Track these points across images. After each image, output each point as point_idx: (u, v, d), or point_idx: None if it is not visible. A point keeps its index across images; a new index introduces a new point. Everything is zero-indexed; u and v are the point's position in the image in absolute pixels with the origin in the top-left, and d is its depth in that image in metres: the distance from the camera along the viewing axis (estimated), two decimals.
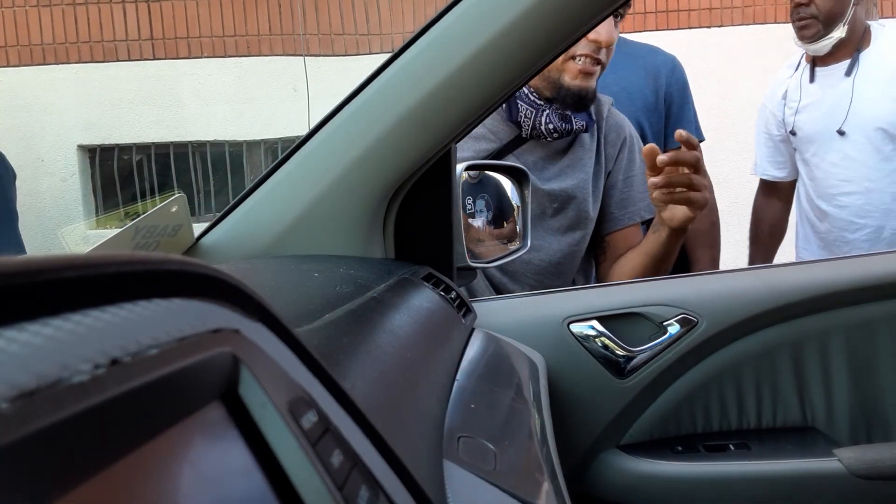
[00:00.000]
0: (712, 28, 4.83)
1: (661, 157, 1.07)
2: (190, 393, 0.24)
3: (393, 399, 0.47)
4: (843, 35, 1.90)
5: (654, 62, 1.75)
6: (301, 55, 4.55)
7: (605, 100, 1.37)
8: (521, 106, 1.26)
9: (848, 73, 1.93)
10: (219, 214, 0.86)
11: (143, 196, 4.85)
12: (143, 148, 4.85)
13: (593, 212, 1.33)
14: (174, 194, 0.81)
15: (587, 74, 1.24)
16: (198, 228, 0.85)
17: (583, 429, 0.92)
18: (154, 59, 4.71)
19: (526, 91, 1.26)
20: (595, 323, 0.91)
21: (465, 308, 0.82)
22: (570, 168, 1.30)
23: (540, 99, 1.27)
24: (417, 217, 0.88)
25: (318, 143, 0.81)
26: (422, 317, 0.67)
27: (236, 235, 0.84)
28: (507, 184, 1.10)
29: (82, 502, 0.18)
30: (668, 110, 1.75)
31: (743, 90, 4.70)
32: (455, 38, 0.75)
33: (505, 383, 0.73)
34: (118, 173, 4.87)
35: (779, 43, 4.68)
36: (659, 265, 1.25)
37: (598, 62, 1.25)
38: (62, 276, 0.19)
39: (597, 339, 0.91)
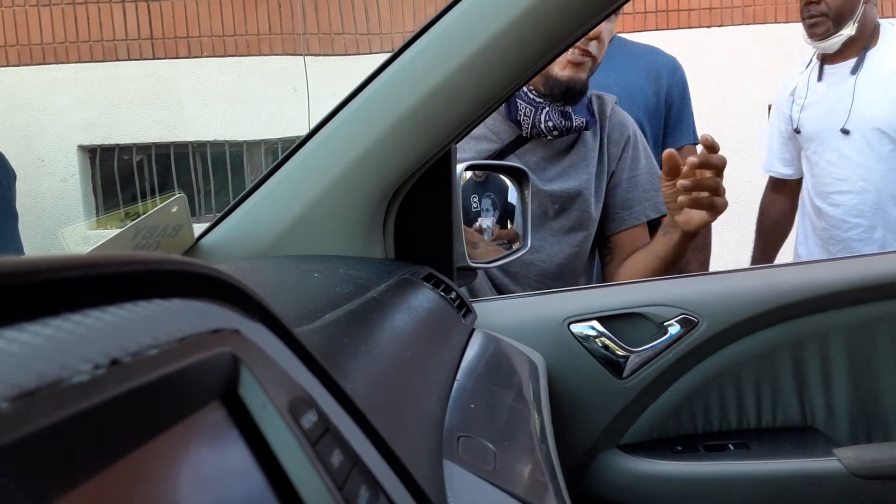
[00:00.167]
0: (712, 28, 4.83)
1: (693, 160, 1.07)
2: (190, 393, 0.24)
3: (393, 399, 0.47)
4: (853, 33, 1.90)
5: (656, 63, 1.75)
6: (301, 55, 4.55)
7: (609, 98, 1.37)
8: (521, 104, 1.26)
9: (853, 71, 1.93)
10: (219, 214, 0.86)
11: (144, 196, 4.86)
12: (144, 148, 4.85)
13: (596, 212, 1.32)
14: (174, 194, 0.81)
15: (576, 65, 1.24)
16: (198, 228, 0.85)
17: (583, 429, 0.92)
18: (154, 58, 4.71)
19: (525, 89, 1.26)
20: (595, 323, 0.91)
21: (465, 308, 0.82)
22: (573, 168, 1.30)
23: (539, 97, 1.26)
24: (417, 217, 0.88)
25: (318, 143, 0.81)
26: (422, 317, 0.67)
27: (236, 235, 0.84)
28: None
29: (82, 502, 0.18)
30: (669, 111, 1.75)
31: (743, 90, 4.70)
32: (455, 38, 0.75)
33: (505, 383, 0.73)
34: (118, 173, 4.88)
35: (779, 43, 4.68)
36: (668, 267, 1.24)
37: (587, 53, 1.25)
38: (62, 276, 0.19)
39: (597, 340, 0.90)
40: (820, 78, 2.00)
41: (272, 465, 0.27)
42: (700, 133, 1.82)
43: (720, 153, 1.08)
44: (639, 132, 1.38)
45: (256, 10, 4.70)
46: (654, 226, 1.40)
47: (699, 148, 1.10)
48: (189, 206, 0.83)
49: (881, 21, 1.98)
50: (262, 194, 0.83)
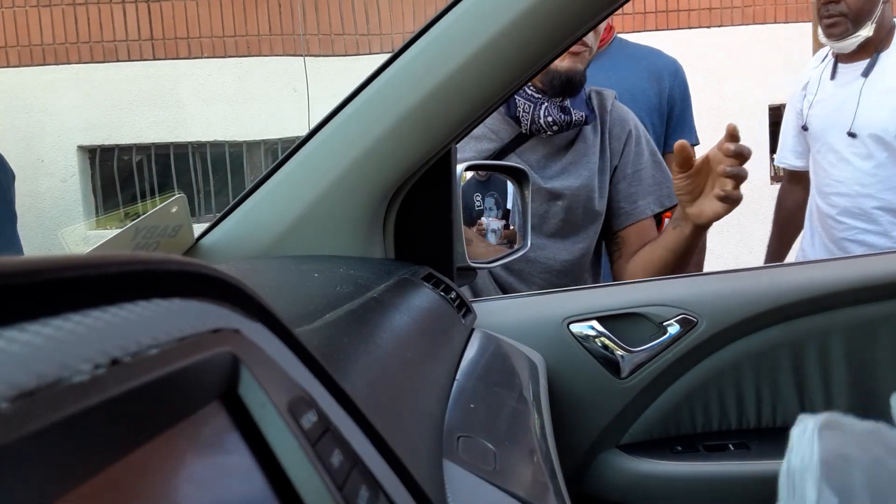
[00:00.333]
0: (712, 28, 4.83)
1: (729, 146, 1.04)
2: (190, 393, 0.24)
3: (393, 399, 0.47)
4: (871, 34, 1.90)
5: (657, 64, 1.76)
6: (301, 55, 4.55)
7: (609, 93, 1.36)
8: (519, 101, 1.26)
9: (865, 73, 1.93)
10: (219, 215, 0.86)
11: (143, 196, 4.86)
12: (143, 148, 4.85)
13: (600, 207, 1.31)
14: (174, 195, 0.81)
15: (575, 55, 1.23)
16: (198, 229, 0.85)
17: (583, 429, 0.92)
18: (154, 59, 4.71)
19: None
20: (595, 323, 0.91)
21: (465, 308, 0.82)
22: (573, 165, 1.29)
23: (537, 92, 1.26)
24: (417, 217, 0.88)
25: (318, 143, 0.81)
26: (422, 317, 0.67)
27: (236, 236, 0.84)
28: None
29: (82, 502, 0.18)
30: (670, 113, 1.75)
31: (743, 90, 4.70)
32: (455, 38, 0.75)
33: (505, 383, 0.73)
34: (118, 174, 4.88)
35: (779, 43, 4.69)
36: (680, 261, 1.22)
37: (584, 43, 1.24)
38: (62, 276, 0.19)
39: (597, 340, 0.91)
40: (833, 76, 2.01)
41: (272, 465, 0.27)
42: (699, 133, 1.83)
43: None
44: (640, 126, 1.37)
45: (257, 11, 4.70)
46: (659, 222, 1.40)
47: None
48: (189, 207, 0.83)
49: None
50: (262, 194, 0.83)
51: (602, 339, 0.91)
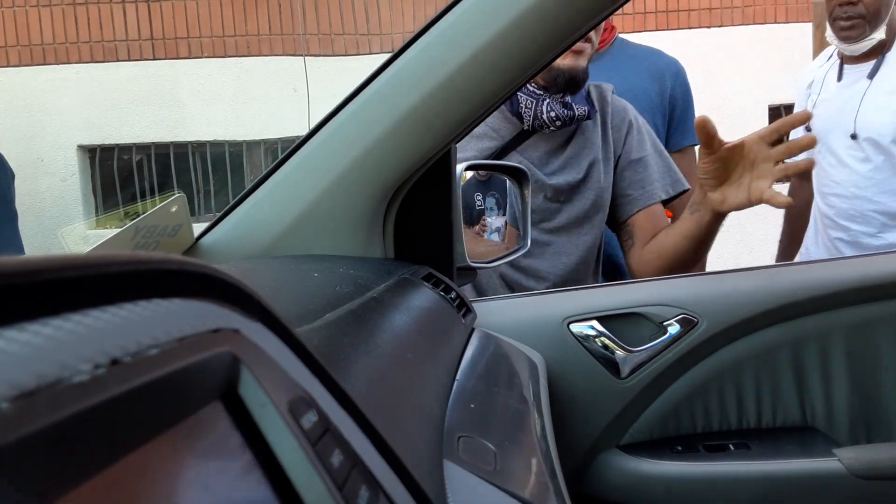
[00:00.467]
0: (712, 28, 4.83)
1: (772, 135, 1.00)
2: (190, 393, 0.24)
3: (393, 399, 0.47)
4: (884, 36, 1.89)
5: (659, 65, 1.76)
6: (301, 55, 4.55)
7: (607, 87, 1.36)
8: (521, 97, 1.26)
9: (871, 75, 1.92)
10: (219, 214, 0.86)
11: (143, 196, 4.86)
12: (143, 148, 4.85)
13: (603, 198, 1.31)
14: (174, 194, 0.81)
15: (577, 53, 1.23)
16: (198, 228, 0.85)
17: (583, 429, 0.92)
18: (154, 59, 4.71)
19: None
20: (595, 323, 0.91)
21: (465, 308, 0.82)
22: (575, 158, 1.29)
23: (539, 88, 1.26)
24: (417, 217, 0.88)
25: (317, 143, 0.81)
26: (422, 317, 0.67)
27: (236, 235, 0.84)
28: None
29: (82, 502, 0.18)
30: (672, 113, 1.76)
31: (743, 90, 4.70)
32: (455, 38, 0.75)
33: (505, 383, 0.73)
34: (118, 173, 4.88)
35: (779, 43, 4.69)
36: (697, 250, 1.18)
37: (587, 39, 1.24)
38: (62, 276, 0.19)
39: (597, 339, 0.90)
40: (839, 77, 2.00)
41: (272, 465, 0.27)
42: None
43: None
44: (640, 117, 1.37)
45: (257, 11, 4.70)
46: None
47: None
48: (189, 206, 0.83)
49: None
50: (262, 194, 0.83)
51: (602, 339, 0.91)
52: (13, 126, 4.61)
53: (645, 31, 4.67)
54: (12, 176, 2.03)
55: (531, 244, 1.27)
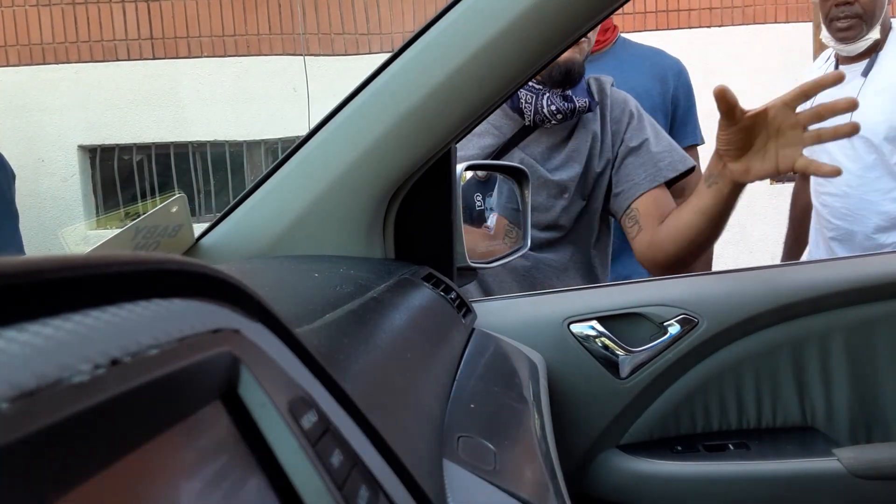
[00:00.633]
0: (712, 28, 4.83)
1: (796, 100, 0.97)
2: (190, 393, 0.24)
3: (393, 399, 0.47)
4: (878, 35, 1.90)
5: (661, 65, 1.76)
6: (301, 55, 4.55)
7: (606, 79, 1.36)
8: (521, 93, 1.25)
9: (865, 73, 1.93)
10: (219, 215, 0.86)
11: (144, 196, 4.86)
12: (144, 148, 4.85)
13: (605, 191, 1.30)
14: (174, 194, 0.81)
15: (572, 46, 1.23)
16: (198, 229, 0.85)
17: (583, 429, 0.92)
18: (154, 59, 4.71)
19: None
20: (595, 323, 0.91)
21: (465, 308, 0.82)
22: (577, 152, 1.29)
23: (538, 83, 1.26)
24: (417, 217, 0.88)
25: (318, 143, 0.81)
26: (422, 317, 0.67)
27: (236, 236, 0.84)
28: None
29: (82, 502, 0.18)
30: (674, 113, 1.76)
31: (743, 90, 4.70)
32: (455, 38, 0.75)
33: (505, 383, 0.73)
34: (118, 173, 4.88)
35: (779, 43, 4.69)
36: (714, 226, 1.11)
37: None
38: (62, 276, 0.19)
39: (597, 340, 0.90)
40: None
41: (272, 465, 0.27)
42: (703, 133, 1.83)
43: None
44: (639, 106, 1.35)
45: (256, 11, 4.70)
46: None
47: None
48: (189, 206, 0.83)
49: (894, 22, 1.98)
50: (262, 194, 0.83)
51: (602, 339, 0.91)
52: (13, 126, 4.61)
53: (645, 30, 4.67)
54: (13, 176, 2.03)
55: (542, 242, 1.27)
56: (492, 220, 1.11)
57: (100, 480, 0.18)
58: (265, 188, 0.83)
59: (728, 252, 4.55)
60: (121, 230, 0.76)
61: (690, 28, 4.80)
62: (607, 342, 0.90)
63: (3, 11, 4.61)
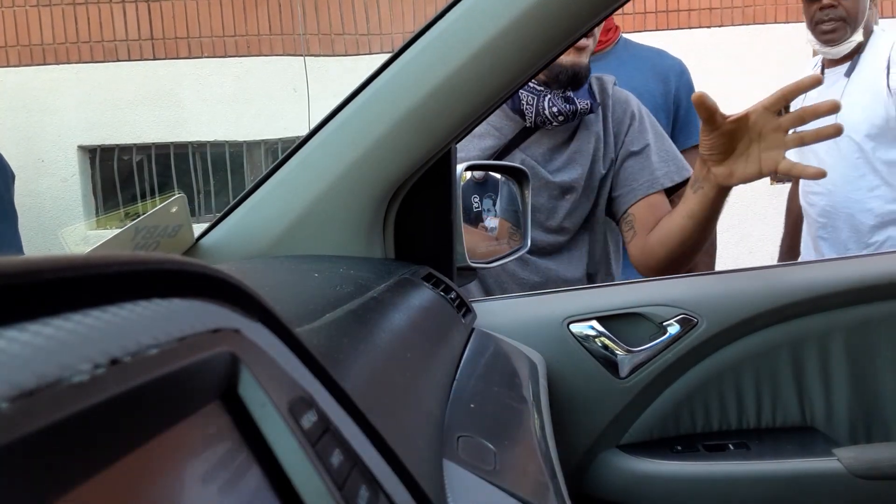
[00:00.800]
0: (712, 28, 4.83)
1: (775, 104, 0.97)
2: (190, 393, 0.24)
3: (393, 399, 0.47)
4: (862, 38, 1.93)
5: (663, 65, 1.76)
6: (301, 55, 4.55)
7: (608, 79, 1.35)
8: (523, 94, 1.25)
9: (847, 73, 1.97)
10: (219, 215, 0.86)
11: (144, 196, 4.86)
12: (144, 148, 4.85)
13: (607, 191, 1.30)
14: (174, 195, 0.81)
15: (579, 50, 1.22)
16: (198, 229, 0.85)
17: (583, 429, 0.92)
18: (154, 59, 4.71)
19: None
20: (595, 323, 0.91)
21: (464, 308, 0.82)
22: (578, 153, 1.28)
23: (540, 84, 1.25)
24: (417, 217, 0.88)
25: (318, 143, 0.81)
26: (422, 317, 0.67)
27: (236, 236, 0.84)
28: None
29: (82, 502, 0.18)
30: (676, 113, 1.76)
31: (743, 90, 4.70)
32: (455, 39, 0.75)
33: (505, 383, 0.73)
34: (118, 174, 4.88)
35: (779, 43, 4.69)
36: (702, 229, 1.13)
37: (588, 34, 1.24)
38: (62, 276, 0.19)
39: (597, 340, 0.90)
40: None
41: (272, 465, 0.27)
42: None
43: None
44: (642, 107, 1.35)
45: (257, 11, 4.70)
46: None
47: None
48: (189, 207, 0.83)
49: (874, 26, 2.02)
50: (262, 194, 0.83)
51: (602, 339, 0.91)
52: (13, 126, 4.62)
53: (645, 30, 4.67)
54: (12, 177, 2.03)
55: (550, 248, 1.27)
56: (493, 223, 1.11)
57: (100, 480, 0.18)
58: (265, 188, 0.83)
59: (728, 252, 4.55)
60: (121, 230, 0.76)
61: (690, 28, 4.80)
62: (607, 342, 0.90)
63: (4, 11, 4.61)
